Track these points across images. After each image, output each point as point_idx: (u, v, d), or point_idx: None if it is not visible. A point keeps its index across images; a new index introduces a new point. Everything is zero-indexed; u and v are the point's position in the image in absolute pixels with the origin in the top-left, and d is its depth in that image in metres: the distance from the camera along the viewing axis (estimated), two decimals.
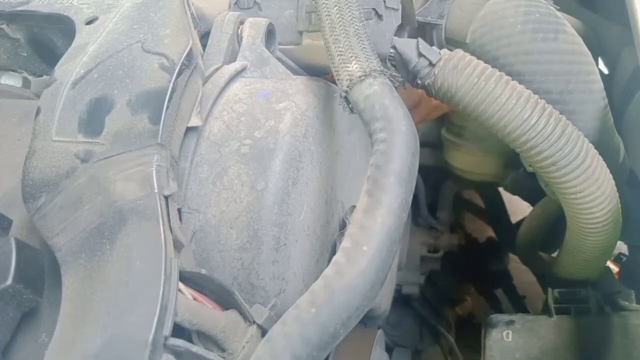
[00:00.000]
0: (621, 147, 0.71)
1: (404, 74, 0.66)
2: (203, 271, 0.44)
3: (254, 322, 0.47)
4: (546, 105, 0.59)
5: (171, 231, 0.43)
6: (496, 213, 1.33)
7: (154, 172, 0.45)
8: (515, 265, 1.30)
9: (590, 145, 0.61)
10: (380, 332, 0.75)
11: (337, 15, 0.53)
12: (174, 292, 0.40)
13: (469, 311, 1.34)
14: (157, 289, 0.39)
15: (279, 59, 0.65)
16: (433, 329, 1.25)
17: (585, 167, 0.59)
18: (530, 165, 0.67)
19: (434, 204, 1.28)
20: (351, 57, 0.51)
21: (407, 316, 1.25)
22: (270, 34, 0.66)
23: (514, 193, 1.14)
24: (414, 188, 0.45)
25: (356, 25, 0.53)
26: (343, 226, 0.63)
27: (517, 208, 1.31)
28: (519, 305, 1.28)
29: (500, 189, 1.31)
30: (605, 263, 0.76)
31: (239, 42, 0.64)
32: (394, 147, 0.44)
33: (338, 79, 0.51)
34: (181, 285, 0.43)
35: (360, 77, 0.49)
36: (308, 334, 0.38)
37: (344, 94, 0.51)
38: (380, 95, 0.48)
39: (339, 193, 0.64)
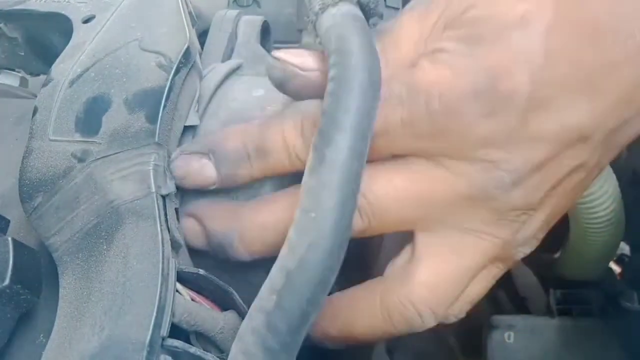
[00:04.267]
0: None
1: None
2: (201, 271, 0.43)
3: None
4: None
5: (169, 231, 0.43)
6: None
7: (151, 171, 0.44)
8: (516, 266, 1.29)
9: None
10: None
11: None
12: (171, 293, 0.40)
13: (469, 312, 1.33)
14: (155, 289, 0.39)
15: None
16: (433, 329, 1.24)
17: None
18: None
19: None
20: None
21: None
22: (265, 32, 0.66)
23: None
24: (372, 133, 0.38)
25: None
26: None
27: None
28: (521, 306, 1.28)
29: None
30: (608, 264, 0.76)
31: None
32: (345, 87, 0.36)
33: (309, 10, 0.45)
34: (179, 286, 0.42)
35: (325, 5, 0.42)
36: (274, 323, 0.35)
37: (311, 25, 0.45)
38: (340, 26, 0.40)
39: None
